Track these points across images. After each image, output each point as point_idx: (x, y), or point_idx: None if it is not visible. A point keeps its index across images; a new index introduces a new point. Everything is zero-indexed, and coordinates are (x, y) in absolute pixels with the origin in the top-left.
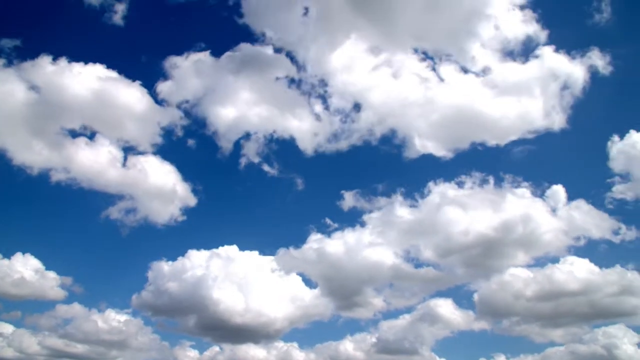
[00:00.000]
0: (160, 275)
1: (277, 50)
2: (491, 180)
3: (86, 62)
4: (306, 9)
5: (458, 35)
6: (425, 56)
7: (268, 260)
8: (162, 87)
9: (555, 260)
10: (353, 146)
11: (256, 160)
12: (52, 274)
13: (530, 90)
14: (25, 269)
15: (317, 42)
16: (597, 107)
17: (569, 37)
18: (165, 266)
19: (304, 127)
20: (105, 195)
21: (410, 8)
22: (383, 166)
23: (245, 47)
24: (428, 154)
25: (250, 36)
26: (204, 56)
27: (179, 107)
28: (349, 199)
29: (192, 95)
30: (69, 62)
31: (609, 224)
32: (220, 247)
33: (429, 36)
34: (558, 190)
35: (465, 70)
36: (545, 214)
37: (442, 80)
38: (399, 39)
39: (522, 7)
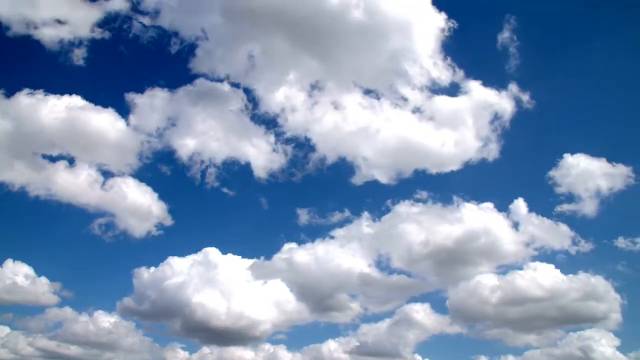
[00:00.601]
0: (143, 282)
1: (232, 85)
2: (443, 198)
3: (62, 94)
4: (251, 50)
5: (389, 72)
6: (365, 90)
7: (248, 266)
8: (132, 118)
9: (519, 267)
10: (307, 174)
11: (216, 184)
12: (43, 280)
13: (463, 122)
14: (16, 275)
15: (266, 79)
16: (527, 137)
17: (491, 78)
18: (147, 273)
19: (259, 155)
20: (85, 212)
21: (344, 46)
22: (336, 190)
23: (200, 82)
24: (373, 180)
25: (205, 75)
26: (165, 92)
27: (149, 135)
28: (306, 218)
29: (158, 126)
30: (45, 94)
31: (568, 234)
32: (201, 253)
33: (365, 72)
34: (519, 204)
35: (401, 105)
36: (507, 227)
37: (382, 113)
38: (340, 74)
39: (443, 57)
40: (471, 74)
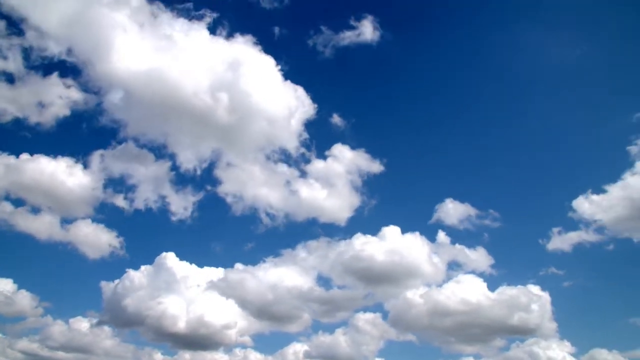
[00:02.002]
0: (110, 295)
1: (159, 150)
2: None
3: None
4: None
5: (269, 147)
6: (258, 157)
7: (202, 281)
8: (87, 172)
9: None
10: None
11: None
12: (24, 292)
13: (339, 179)
14: None
15: (182, 147)
16: (392, 190)
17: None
18: (110, 286)
19: (184, 207)
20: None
21: (227, 128)
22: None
23: (131, 147)
24: (275, 227)
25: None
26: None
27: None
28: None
29: (106, 178)
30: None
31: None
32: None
33: (250, 146)
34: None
35: (287, 169)
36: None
37: (276, 173)
38: (237, 146)
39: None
40: (335, 142)
